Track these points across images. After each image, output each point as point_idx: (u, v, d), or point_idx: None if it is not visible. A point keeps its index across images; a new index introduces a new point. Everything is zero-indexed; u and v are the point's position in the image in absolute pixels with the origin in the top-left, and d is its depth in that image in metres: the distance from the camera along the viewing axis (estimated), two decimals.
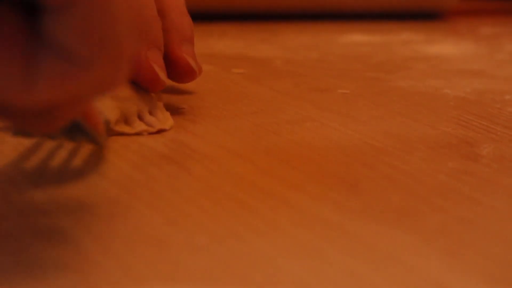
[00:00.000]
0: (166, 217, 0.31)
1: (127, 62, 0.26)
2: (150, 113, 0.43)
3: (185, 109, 0.48)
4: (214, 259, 0.27)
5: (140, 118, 0.42)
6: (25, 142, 0.40)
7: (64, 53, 0.24)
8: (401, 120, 0.47)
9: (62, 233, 0.29)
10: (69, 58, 0.24)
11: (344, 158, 0.39)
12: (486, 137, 0.44)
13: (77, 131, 0.35)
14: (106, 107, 0.40)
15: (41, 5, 0.24)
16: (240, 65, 0.64)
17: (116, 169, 0.36)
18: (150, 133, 0.42)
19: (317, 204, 0.33)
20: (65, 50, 0.24)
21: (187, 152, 0.40)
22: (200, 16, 0.86)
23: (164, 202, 0.33)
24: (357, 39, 0.84)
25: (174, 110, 0.46)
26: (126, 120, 0.42)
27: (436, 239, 0.30)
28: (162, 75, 0.43)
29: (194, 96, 0.51)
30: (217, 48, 0.74)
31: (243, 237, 0.29)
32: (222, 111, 0.48)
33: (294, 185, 0.35)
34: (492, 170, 0.38)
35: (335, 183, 0.36)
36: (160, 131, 0.42)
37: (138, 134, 0.41)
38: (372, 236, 0.30)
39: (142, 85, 0.43)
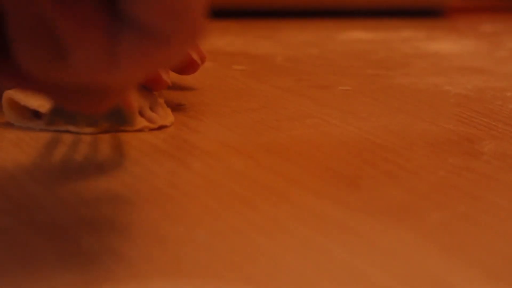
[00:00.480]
0: (167, 212, 0.31)
1: (200, 34, 0.26)
2: (151, 109, 0.43)
3: (186, 106, 0.47)
4: (214, 255, 0.27)
5: (141, 114, 0.42)
6: (26, 138, 0.40)
7: (145, 30, 0.24)
8: (401, 116, 0.47)
9: (61, 228, 0.29)
10: (150, 35, 0.24)
11: (345, 155, 0.39)
12: (487, 134, 0.44)
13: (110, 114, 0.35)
14: None
15: None
16: (241, 62, 0.64)
17: (117, 165, 0.36)
18: (151, 130, 0.42)
19: (318, 200, 0.33)
20: (145, 27, 0.24)
21: (187, 148, 0.40)
22: None
23: (165, 198, 0.33)
24: (357, 36, 0.84)
25: (174, 107, 0.46)
26: None
27: (436, 235, 0.30)
28: (165, 75, 0.43)
29: (194, 93, 0.51)
30: (218, 45, 0.74)
31: (243, 233, 0.29)
32: (223, 107, 0.48)
33: (295, 181, 0.35)
34: (493, 167, 0.38)
35: (335, 179, 0.36)
36: (161, 128, 0.42)
37: (139, 130, 0.41)
38: (372, 232, 0.30)
39: (144, 84, 0.43)
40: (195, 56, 0.45)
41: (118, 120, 0.37)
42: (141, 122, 0.42)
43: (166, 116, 0.43)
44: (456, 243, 0.29)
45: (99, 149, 0.38)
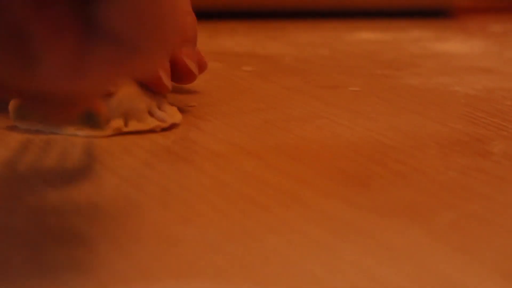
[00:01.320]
0: (178, 214, 0.31)
1: (170, 45, 0.26)
2: (159, 108, 0.43)
3: (195, 107, 0.48)
4: (225, 256, 0.27)
5: (151, 114, 0.42)
6: (35, 140, 0.40)
7: (116, 38, 0.25)
8: (411, 117, 0.47)
9: (73, 231, 0.29)
10: (121, 43, 0.25)
11: (354, 155, 0.39)
12: (497, 134, 0.44)
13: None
14: (110, 107, 0.40)
15: None
16: (250, 63, 0.64)
17: (127, 167, 0.36)
18: (163, 129, 0.42)
19: (328, 200, 0.33)
20: (117, 36, 0.24)
21: (196, 149, 0.40)
22: (210, 14, 0.86)
23: (175, 199, 0.33)
24: (366, 36, 0.84)
25: (183, 108, 0.46)
26: (138, 118, 0.41)
27: (447, 235, 0.30)
28: (166, 80, 0.43)
29: (203, 94, 0.51)
30: (226, 45, 0.74)
31: (254, 234, 0.29)
32: (231, 108, 0.48)
33: (304, 181, 0.35)
34: (503, 167, 0.38)
35: (345, 180, 0.36)
36: (171, 126, 0.42)
37: (151, 130, 0.41)
38: (383, 233, 0.29)
39: (148, 86, 0.43)
40: (192, 66, 0.45)
41: (90, 124, 0.37)
42: (152, 122, 0.42)
43: (174, 114, 0.43)
44: (467, 243, 0.29)
45: (111, 152, 0.38)
